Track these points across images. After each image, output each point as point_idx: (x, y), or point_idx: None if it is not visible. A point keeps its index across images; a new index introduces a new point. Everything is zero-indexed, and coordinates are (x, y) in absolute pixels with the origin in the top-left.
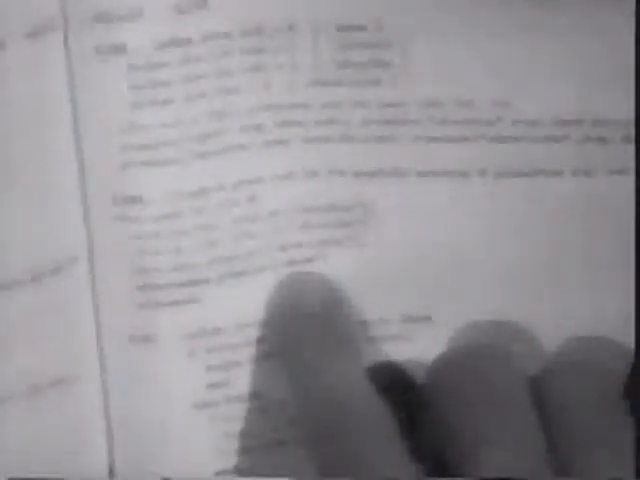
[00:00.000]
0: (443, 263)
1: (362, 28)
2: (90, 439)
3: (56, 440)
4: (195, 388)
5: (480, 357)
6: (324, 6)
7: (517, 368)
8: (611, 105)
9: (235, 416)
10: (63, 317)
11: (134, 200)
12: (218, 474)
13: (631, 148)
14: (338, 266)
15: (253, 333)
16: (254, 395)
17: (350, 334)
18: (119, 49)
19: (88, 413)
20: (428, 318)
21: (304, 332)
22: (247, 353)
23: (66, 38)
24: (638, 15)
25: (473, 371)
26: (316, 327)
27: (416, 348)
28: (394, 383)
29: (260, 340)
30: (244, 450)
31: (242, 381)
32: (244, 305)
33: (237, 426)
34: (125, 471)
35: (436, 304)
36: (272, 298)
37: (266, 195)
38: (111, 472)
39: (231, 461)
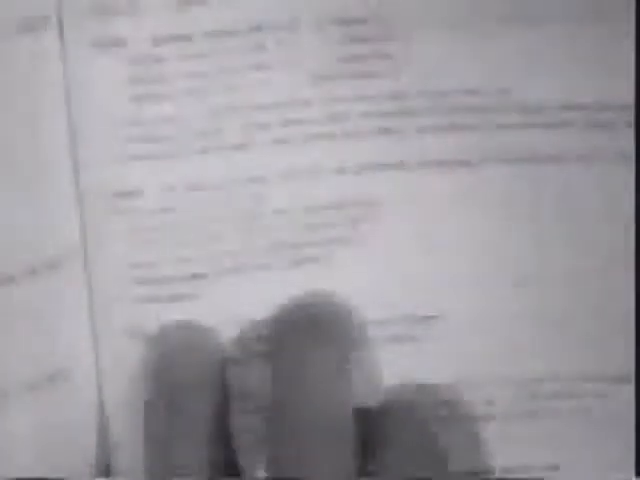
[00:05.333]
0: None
1: (363, 21)
2: (86, 435)
3: (53, 437)
4: None
5: None
6: (325, 0)
7: None
8: (614, 90)
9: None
10: (59, 311)
11: (132, 193)
12: None
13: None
14: (343, 264)
15: (249, 331)
16: (246, 394)
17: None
18: (117, 42)
19: (84, 408)
20: (434, 317)
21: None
22: (242, 351)
23: (61, 32)
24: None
25: None
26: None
27: (421, 347)
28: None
29: (256, 339)
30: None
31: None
32: (243, 303)
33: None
34: (122, 468)
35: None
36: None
37: (269, 193)
38: (108, 469)
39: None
